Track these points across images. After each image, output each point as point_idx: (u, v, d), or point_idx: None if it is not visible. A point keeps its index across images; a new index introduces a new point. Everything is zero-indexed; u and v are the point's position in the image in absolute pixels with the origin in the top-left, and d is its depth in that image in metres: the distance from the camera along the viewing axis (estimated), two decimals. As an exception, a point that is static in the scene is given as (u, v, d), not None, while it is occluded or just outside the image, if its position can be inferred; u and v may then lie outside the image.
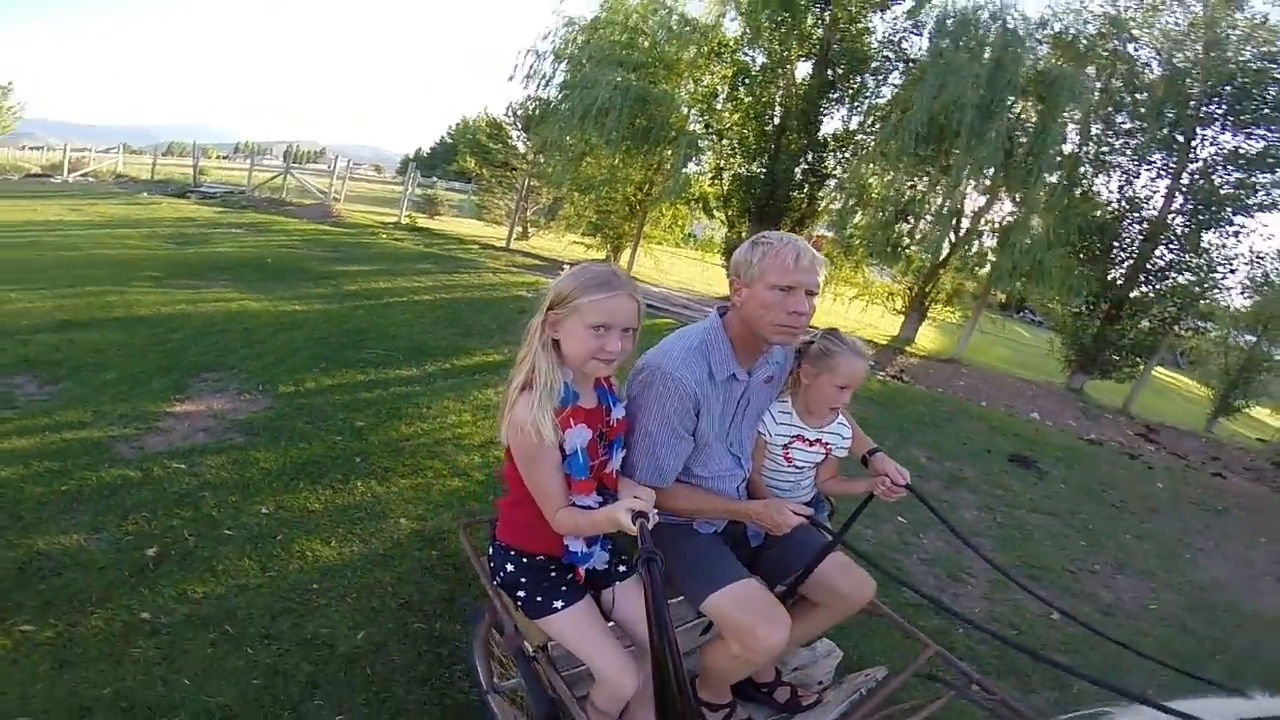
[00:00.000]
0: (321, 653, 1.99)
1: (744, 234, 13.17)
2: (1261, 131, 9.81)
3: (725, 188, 13.64)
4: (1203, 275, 10.57)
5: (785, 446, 1.76)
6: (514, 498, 1.44)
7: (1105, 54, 10.19)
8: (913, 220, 10.72)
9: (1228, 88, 9.84)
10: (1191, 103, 10.05)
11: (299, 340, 4.71)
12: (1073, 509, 4.67)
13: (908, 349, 10.93)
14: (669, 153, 11.88)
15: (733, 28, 13.23)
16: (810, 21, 12.41)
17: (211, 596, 2.12)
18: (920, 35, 11.68)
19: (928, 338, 12.60)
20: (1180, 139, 10.31)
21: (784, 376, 1.79)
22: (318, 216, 11.61)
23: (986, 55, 9.37)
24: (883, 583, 1.81)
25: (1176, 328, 11.06)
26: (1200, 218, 10.29)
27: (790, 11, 12.11)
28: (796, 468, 1.79)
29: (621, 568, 1.58)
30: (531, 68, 12.89)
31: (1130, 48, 10.26)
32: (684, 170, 11.89)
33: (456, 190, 21.29)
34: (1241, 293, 10.97)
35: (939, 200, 10.03)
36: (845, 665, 2.09)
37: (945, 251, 11.15)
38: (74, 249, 7.36)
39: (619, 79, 11.14)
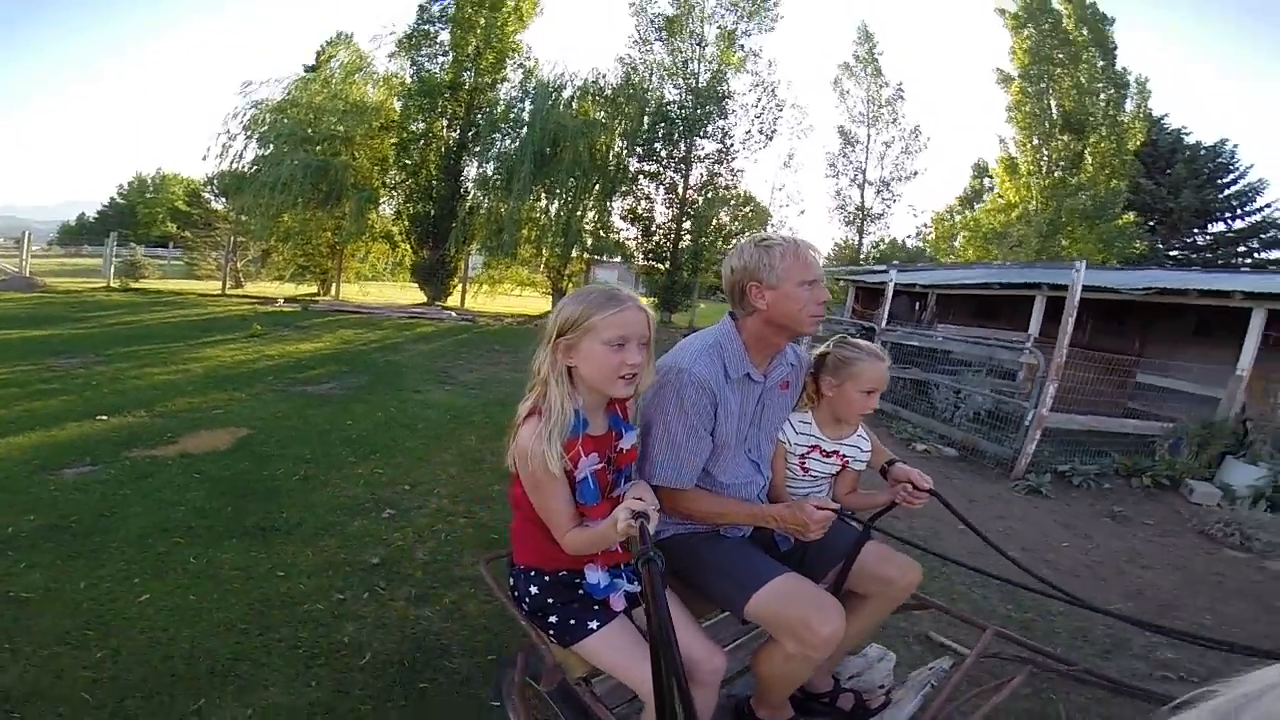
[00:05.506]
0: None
1: (426, 256, 17.72)
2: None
3: (405, 225, 18.02)
4: (709, 240, 18.26)
5: (802, 456, 1.81)
6: (524, 517, 1.46)
7: (635, 95, 16.65)
8: (528, 230, 16.31)
9: (702, 110, 17.18)
10: (681, 124, 17.19)
11: (98, 339, 7.91)
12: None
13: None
14: (350, 206, 15.77)
15: (399, 105, 17.74)
16: (448, 98, 17.29)
17: (157, 463, 5.89)
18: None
19: (573, 307, 18.40)
20: (684, 148, 17.62)
21: (799, 384, 1.83)
22: (25, 289, 13.10)
23: (526, 113, 15.51)
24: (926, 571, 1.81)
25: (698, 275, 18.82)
26: (706, 199, 17.72)
27: (430, 96, 17.06)
28: (812, 477, 1.84)
29: None
30: (225, 147, 15.78)
31: (661, 88, 17.15)
32: (361, 218, 15.90)
33: (158, 256, 22.05)
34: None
35: (530, 214, 15.67)
36: (905, 665, 2.10)
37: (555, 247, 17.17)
38: None
39: (302, 156, 14.78)
